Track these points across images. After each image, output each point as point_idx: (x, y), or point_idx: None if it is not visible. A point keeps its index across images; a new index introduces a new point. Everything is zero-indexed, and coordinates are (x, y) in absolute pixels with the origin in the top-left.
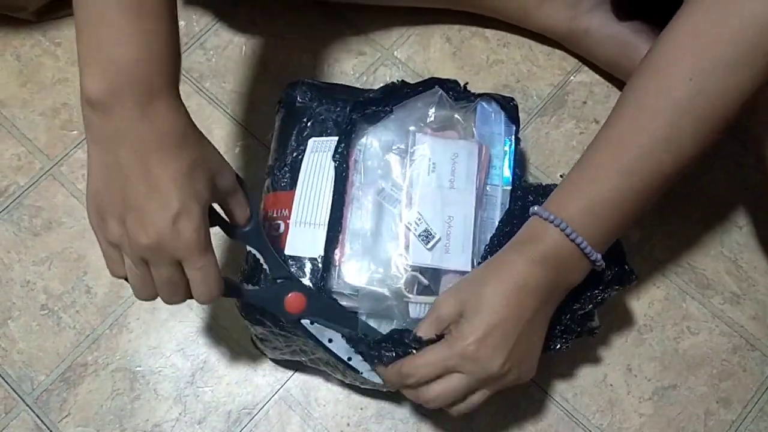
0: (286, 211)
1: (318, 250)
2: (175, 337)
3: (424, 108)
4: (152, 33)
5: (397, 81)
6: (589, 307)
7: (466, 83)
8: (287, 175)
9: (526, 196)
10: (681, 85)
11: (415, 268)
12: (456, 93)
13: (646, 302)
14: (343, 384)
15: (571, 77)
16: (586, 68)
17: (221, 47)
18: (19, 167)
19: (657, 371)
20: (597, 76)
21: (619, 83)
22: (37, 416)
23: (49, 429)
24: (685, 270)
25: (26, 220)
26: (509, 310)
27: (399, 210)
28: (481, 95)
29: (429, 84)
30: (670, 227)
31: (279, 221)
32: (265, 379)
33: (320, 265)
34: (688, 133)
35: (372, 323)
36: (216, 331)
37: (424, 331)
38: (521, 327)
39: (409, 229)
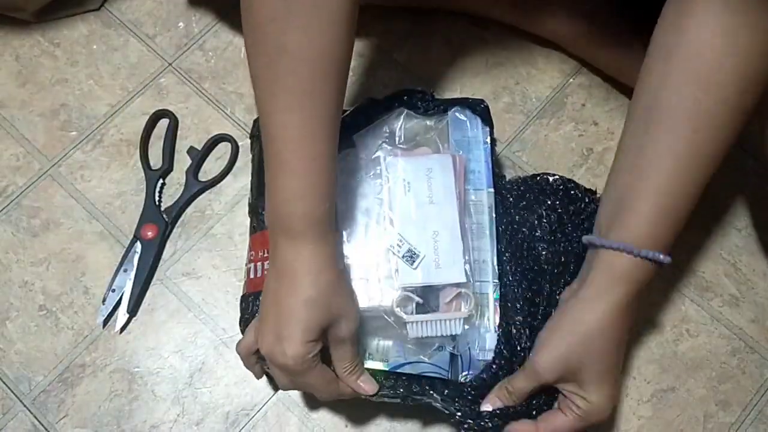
0: None
1: None
2: (173, 338)
3: (390, 130)
4: (314, 186)
5: (365, 100)
6: None
7: (432, 92)
8: None
9: (517, 189)
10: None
11: (406, 288)
12: (425, 103)
13: (645, 304)
14: None
15: (571, 79)
16: (585, 70)
17: (221, 48)
18: (17, 168)
19: (656, 373)
20: (596, 79)
21: (619, 85)
22: (35, 417)
23: (46, 430)
24: (684, 272)
25: (24, 220)
26: (616, 359)
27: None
28: (452, 101)
29: (398, 97)
30: None
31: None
32: (263, 380)
33: None
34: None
35: (381, 343)
36: (214, 333)
37: (522, 385)
38: (621, 362)
39: (393, 253)
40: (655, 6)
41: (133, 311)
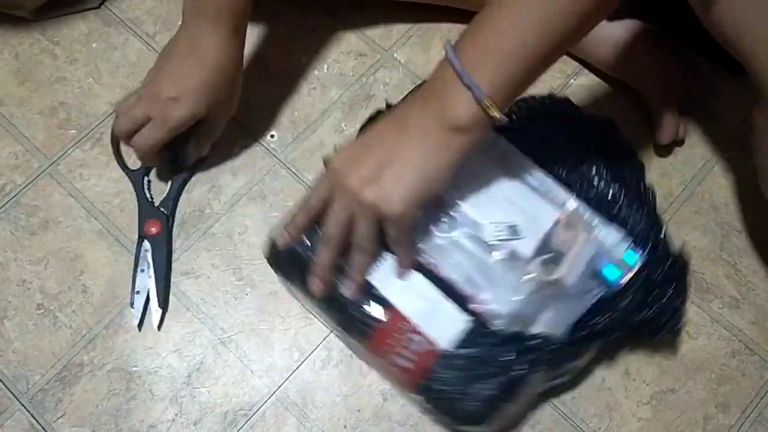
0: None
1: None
2: (171, 337)
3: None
4: None
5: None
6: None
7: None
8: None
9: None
10: None
11: (533, 256)
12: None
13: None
14: (340, 387)
15: (571, 80)
16: (585, 71)
17: None
18: (16, 166)
19: (655, 375)
20: (597, 79)
21: (619, 85)
22: (32, 416)
23: (44, 429)
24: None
25: (23, 218)
26: (377, 139)
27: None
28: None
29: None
30: (668, 231)
31: (410, 335)
32: (261, 380)
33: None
34: None
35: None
36: (213, 332)
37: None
38: (389, 154)
39: (498, 241)
40: (656, 7)
41: (164, 305)
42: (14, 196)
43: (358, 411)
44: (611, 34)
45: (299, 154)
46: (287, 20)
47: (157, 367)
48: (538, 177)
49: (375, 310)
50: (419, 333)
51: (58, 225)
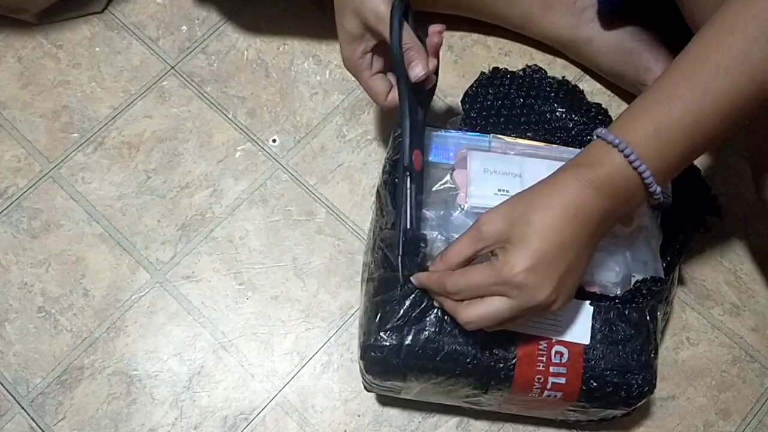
0: None
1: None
2: (172, 341)
3: None
4: None
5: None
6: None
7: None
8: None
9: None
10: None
11: None
12: None
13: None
14: (340, 391)
15: None
16: (588, 77)
17: (223, 52)
18: (18, 169)
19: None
20: (599, 85)
21: (621, 92)
22: (32, 419)
23: None
24: (685, 280)
25: (25, 222)
26: (559, 239)
27: None
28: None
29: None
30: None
31: (553, 350)
32: (261, 384)
33: None
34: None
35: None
36: (213, 336)
37: (462, 248)
38: (570, 256)
39: None
40: (657, 12)
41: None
42: (16, 200)
43: (359, 416)
44: (613, 39)
45: (301, 158)
46: (289, 25)
47: (158, 371)
48: (541, 148)
49: (507, 345)
50: (560, 343)
51: (59, 228)
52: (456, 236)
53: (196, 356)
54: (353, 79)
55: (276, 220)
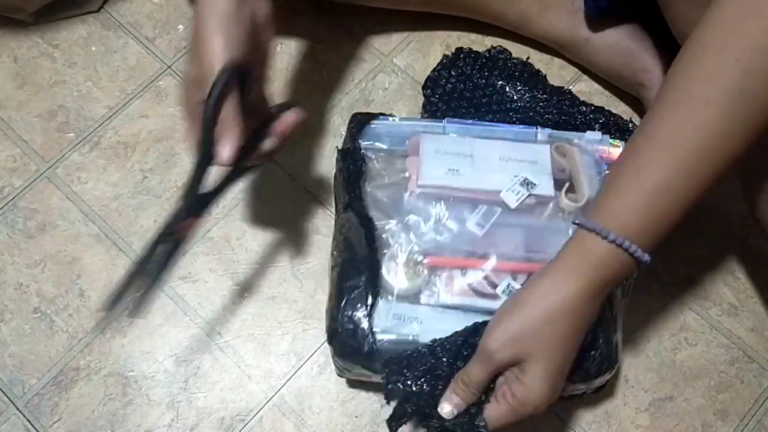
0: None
1: None
2: (168, 342)
3: None
4: None
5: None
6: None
7: None
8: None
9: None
10: (727, 67)
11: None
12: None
13: (644, 313)
14: (338, 392)
15: (571, 86)
16: (585, 77)
17: None
18: (14, 169)
19: (654, 382)
20: (596, 85)
21: (619, 92)
22: (28, 420)
23: None
24: (683, 281)
25: (20, 222)
26: (569, 344)
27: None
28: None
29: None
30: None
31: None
32: (258, 385)
33: None
34: (740, 121)
35: None
36: (210, 337)
37: (476, 376)
38: (575, 350)
39: (523, 193)
40: (655, 12)
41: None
42: (12, 199)
43: (356, 417)
44: (611, 40)
45: (298, 159)
46: (287, 27)
47: (154, 372)
48: (503, 128)
49: None
50: None
51: (55, 228)
52: (408, 219)
53: (193, 357)
54: (350, 78)
55: (273, 220)
